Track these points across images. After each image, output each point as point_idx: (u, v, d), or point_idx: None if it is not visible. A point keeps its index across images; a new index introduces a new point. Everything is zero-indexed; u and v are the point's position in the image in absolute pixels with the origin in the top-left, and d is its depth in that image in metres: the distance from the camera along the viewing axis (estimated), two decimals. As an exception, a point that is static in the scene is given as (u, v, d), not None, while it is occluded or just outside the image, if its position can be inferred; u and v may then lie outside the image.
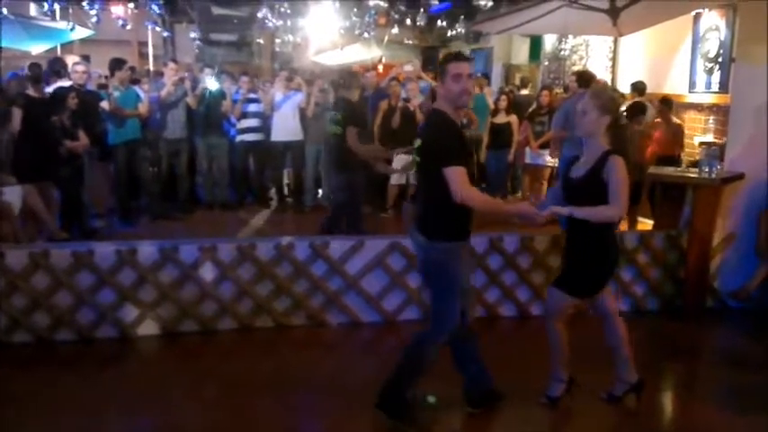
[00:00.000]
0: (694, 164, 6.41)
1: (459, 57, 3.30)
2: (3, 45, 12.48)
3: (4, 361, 4.24)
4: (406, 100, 8.19)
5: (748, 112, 5.33)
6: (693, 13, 8.26)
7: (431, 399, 3.53)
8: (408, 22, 13.97)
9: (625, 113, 7.07)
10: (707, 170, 5.25)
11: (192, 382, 4.03)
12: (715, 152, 5.40)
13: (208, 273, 4.65)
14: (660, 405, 4.14)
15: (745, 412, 3.84)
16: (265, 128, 8.57)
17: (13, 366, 4.18)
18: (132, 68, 9.03)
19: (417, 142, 3.35)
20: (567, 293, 3.59)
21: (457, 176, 3.15)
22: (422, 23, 13.93)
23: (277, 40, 15.62)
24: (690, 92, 8.46)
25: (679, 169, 6.25)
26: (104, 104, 7.35)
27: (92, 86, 7.77)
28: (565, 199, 3.57)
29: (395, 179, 8.01)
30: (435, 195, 3.24)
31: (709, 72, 8.15)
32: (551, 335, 3.66)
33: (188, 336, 4.65)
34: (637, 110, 7.25)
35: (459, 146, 3.26)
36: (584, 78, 7.12)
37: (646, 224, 7.13)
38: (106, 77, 8.02)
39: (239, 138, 8.58)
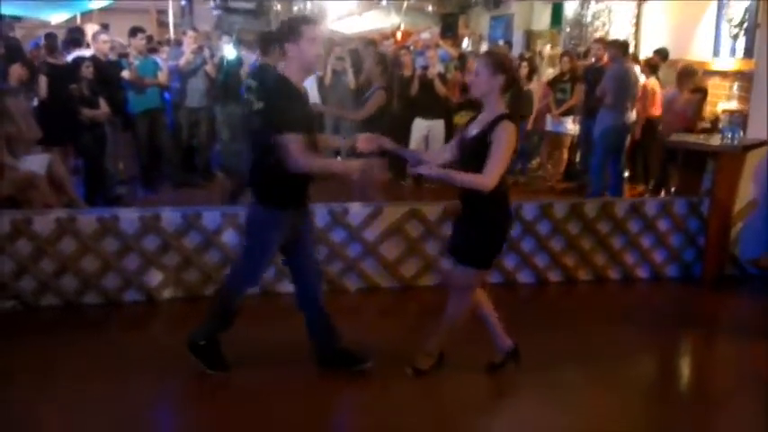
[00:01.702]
0: (716, 130, 6.33)
1: (313, 21, 3.30)
2: (23, 14, 12.58)
3: (34, 323, 4.36)
4: (425, 68, 8.11)
5: (773, 78, 5.24)
6: (719, -23, 8.09)
7: None
8: (427, -12, 13.80)
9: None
10: (729, 137, 5.19)
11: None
12: (737, 119, 5.34)
13: (230, 238, 4.73)
14: (677, 372, 4.18)
15: (763, 380, 3.85)
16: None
17: (41, 329, 4.30)
18: (149, 37, 9.04)
19: (259, 105, 3.30)
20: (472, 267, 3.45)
21: (294, 145, 3.17)
22: (442, -10, 13.76)
23: (294, 8, 15.50)
24: (714, 58, 8.31)
25: (701, 136, 6.18)
26: (125, 74, 7.40)
27: (113, 56, 7.82)
28: (459, 158, 3.47)
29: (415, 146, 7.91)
30: (268, 161, 3.27)
31: (734, 38, 7.99)
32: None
33: (212, 299, 4.72)
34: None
35: (301, 114, 3.25)
36: (620, 46, 7.35)
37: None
38: (127, 46, 8.06)
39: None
